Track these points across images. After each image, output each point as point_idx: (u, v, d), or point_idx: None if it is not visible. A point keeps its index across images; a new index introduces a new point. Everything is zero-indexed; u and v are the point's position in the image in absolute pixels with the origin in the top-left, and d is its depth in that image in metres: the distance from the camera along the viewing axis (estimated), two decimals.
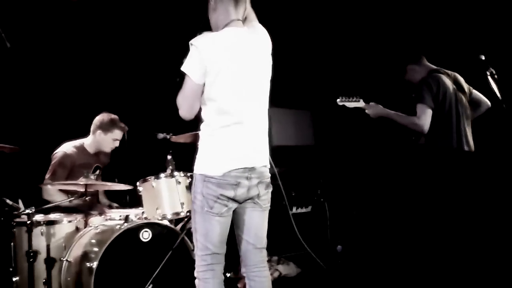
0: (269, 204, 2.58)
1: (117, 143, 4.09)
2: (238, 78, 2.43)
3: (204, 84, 2.40)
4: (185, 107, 2.43)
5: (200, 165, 2.42)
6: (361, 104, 3.70)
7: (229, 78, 2.40)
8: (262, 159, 2.51)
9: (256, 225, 2.54)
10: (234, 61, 2.42)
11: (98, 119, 4.06)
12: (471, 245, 3.64)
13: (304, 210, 5.38)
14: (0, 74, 4.28)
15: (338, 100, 3.71)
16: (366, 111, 3.70)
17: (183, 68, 2.40)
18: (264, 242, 2.59)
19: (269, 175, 2.56)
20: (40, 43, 4.58)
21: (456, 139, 3.61)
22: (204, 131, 2.47)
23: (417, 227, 5.09)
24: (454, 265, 3.81)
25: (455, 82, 3.74)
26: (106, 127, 4.01)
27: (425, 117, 3.54)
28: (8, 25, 3.18)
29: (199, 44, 2.38)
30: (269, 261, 4.73)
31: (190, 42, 2.40)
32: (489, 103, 3.83)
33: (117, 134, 4.05)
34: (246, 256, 2.54)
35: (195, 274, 2.45)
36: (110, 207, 4.19)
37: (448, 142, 3.60)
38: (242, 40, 2.47)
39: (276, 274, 4.58)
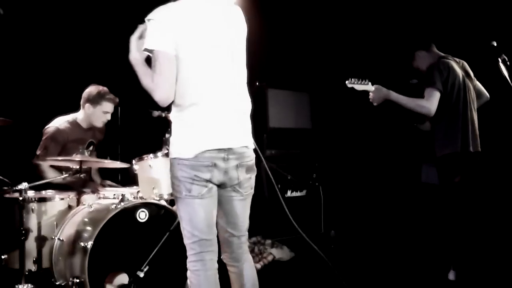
0: (252, 191, 2.43)
1: (108, 116, 3.92)
2: (206, 53, 2.24)
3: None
4: (164, 88, 2.20)
5: (173, 149, 2.28)
6: (369, 87, 3.61)
7: (196, 53, 2.23)
8: (240, 140, 2.33)
9: (236, 214, 2.41)
10: (200, 34, 2.24)
11: (86, 92, 3.90)
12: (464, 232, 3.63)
13: (298, 194, 5.33)
14: None
15: (347, 82, 3.60)
16: (370, 94, 3.61)
17: (148, 46, 2.19)
18: (244, 229, 2.46)
19: (252, 157, 2.40)
20: (34, 12, 4.40)
21: (462, 127, 3.56)
22: (174, 113, 2.31)
23: (411, 213, 5.10)
24: (445, 250, 3.80)
25: (464, 69, 3.69)
26: (94, 99, 3.85)
27: (432, 100, 3.48)
28: None
29: (159, 17, 2.20)
30: (262, 244, 4.71)
31: (147, 18, 2.22)
32: (488, 95, 3.84)
33: (107, 106, 3.88)
34: (225, 243, 2.43)
35: (187, 266, 2.31)
36: (103, 185, 4.07)
37: (454, 129, 3.55)
38: (206, 11, 2.29)
39: (270, 258, 4.53)
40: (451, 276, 3.61)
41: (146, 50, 2.23)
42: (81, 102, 3.91)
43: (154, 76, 2.20)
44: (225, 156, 2.27)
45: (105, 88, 3.89)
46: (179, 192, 2.27)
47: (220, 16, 2.33)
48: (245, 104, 2.40)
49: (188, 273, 2.30)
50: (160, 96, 2.20)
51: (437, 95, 3.48)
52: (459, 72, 3.63)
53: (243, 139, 2.35)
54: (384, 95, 3.58)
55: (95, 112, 3.86)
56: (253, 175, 2.42)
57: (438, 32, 4.37)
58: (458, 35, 4.49)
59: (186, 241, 2.32)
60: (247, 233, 2.47)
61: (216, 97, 2.28)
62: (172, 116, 2.33)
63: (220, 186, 2.33)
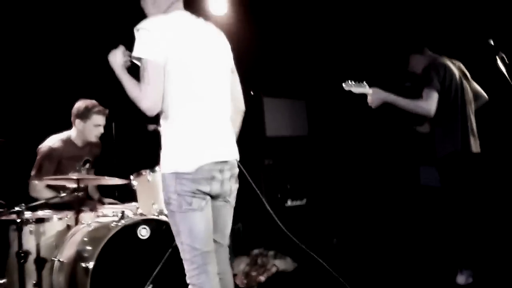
0: (235, 200, 2.49)
1: (100, 129, 3.84)
2: (197, 65, 2.28)
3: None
4: (152, 97, 2.16)
5: (170, 163, 2.23)
6: (367, 89, 3.57)
7: (188, 65, 2.24)
8: (234, 152, 2.43)
9: (224, 223, 2.45)
10: (189, 46, 2.28)
11: (74, 108, 3.82)
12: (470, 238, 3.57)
13: (299, 202, 5.28)
14: None
15: (344, 84, 3.57)
16: (369, 97, 3.57)
17: (137, 54, 2.19)
18: (228, 238, 2.50)
19: (237, 167, 2.46)
20: (28, 29, 4.34)
21: (461, 126, 3.54)
22: (166, 126, 2.27)
23: (413, 217, 5.06)
24: (451, 253, 3.75)
25: (460, 70, 3.68)
26: (83, 114, 3.78)
27: (432, 100, 3.45)
28: None
29: (150, 27, 2.21)
30: (265, 256, 4.65)
31: (136, 27, 2.22)
32: (486, 97, 3.82)
33: (97, 119, 3.80)
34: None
35: (188, 281, 2.26)
36: (101, 202, 3.99)
37: (454, 128, 3.52)
38: (194, 25, 2.37)
39: (273, 269, 4.47)
40: (459, 280, 3.55)
41: (134, 58, 2.23)
42: (72, 119, 3.84)
43: (142, 85, 2.19)
44: (221, 168, 2.30)
45: (93, 101, 3.83)
46: (178, 207, 2.23)
47: (206, 31, 2.43)
48: (229, 115, 2.46)
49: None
50: (148, 105, 2.18)
51: (435, 95, 3.45)
52: (456, 72, 3.61)
53: (235, 151, 2.44)
54: (382, 97, 3.55)
55: (86, 126, 3.80)
56: (237, 186, 2.48)
57: (432, 34, 4.37)
58: (453, 36, 4.48)
59: (186, 256, 2.27)
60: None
61: (210, 109, 2.31)
62: (162, 128, 2.30)
63: (214, 197, 2.34)
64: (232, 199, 2.46)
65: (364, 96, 3.62)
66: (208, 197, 2.30)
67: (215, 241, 2.40)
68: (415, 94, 3.61)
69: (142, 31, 2.21)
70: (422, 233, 4.87)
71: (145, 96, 2.17)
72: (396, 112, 3.64)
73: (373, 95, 3.57)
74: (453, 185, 3.56)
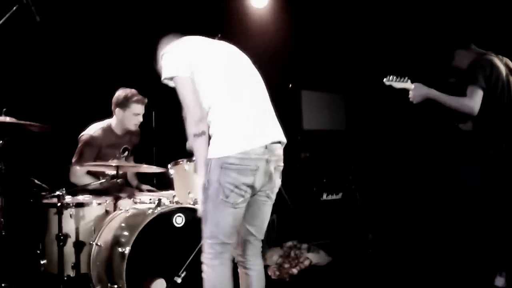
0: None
1: (139, 118, 3.89)
2: (223, 63, 2.42)
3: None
4: (194, 108, 2.30)
5: (216, 148, 2.27)
6: (409, 85, 3.49)
7: (214, 65, 2.38)
8: (279, 134, 2.41)
9: (263, 218, 2.49)
10: (213, 50, 2.44)
11: (114, 97, 3.89)
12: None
13: (334, 197, 5.24)
14: (30, 49, 4.17)
15: (385, 79, 3.51)
16: (411, 92, 3.49)
17: (167, 74, 2.34)
18: (264, 232, 2.54)
19: (282, 161, 2.47)
20: (69, 20, 4.44)
21: (506, 126, 3.41)
22: (211, 117, 2.33)
23: (452, 216, 4.94)
24: (490, 254, 3.66)
25: (507, 66, 3.54)
26: (122, 103, 3.84)
27: (476, 98, 3.33)
28: None
29: (173, 49, 2.38)
30: (299, 249, 4.64)
31: (161, 53, 2.40)
32: None
33: (136, 108, 3.85)
34: (246, 245, 2.48)
35: (203, 259, 2.34)
36: (140, 189, 4.07)
37: (499, 128, 3.40)
38: (209, 40, 2.54)
39: (306, 263, 4.45)
40: (498, 282, 3.45)
41: (166, 79, 2.38)
42: (112, 108, 3.91)
43: (183, 103, 2.33)
44: (268, 157, 2.30)
45: (133, 90, 3.87)
46: (215, 195, 2.26)
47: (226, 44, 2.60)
48: (270, 105, 2.50)
49: (204, 267, 2.33)
50: (194, 117, 2.29)
51: (480, 93, 3.34)
52: (502, 69, 3.48)
53: (281, 134, 2.43)
54: (425, 93, 3.46)
55: (125, 115, 3.86)
56: (280, 180, 2.50)
57: (479, 29, 4.23)
58: (500, 32, 4.33)
59: (207, 240, 2.33)
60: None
61: (247, 96, 2.38)
62: (211, 120, 2.34)
63: (256, 191, 2.35)
64: (274, 195, 2.47)
65: (405, 91, 3.54)
66: (248, 194, 2.30)
67: (251, 233, 2.46)
68: (459, 90, 3.51)
69: (167, 55, 2.37)
70: (461, 232, 4.76)
71: (190, 110, 2.30)
72: (438, 108, 3.55)
73: (415, 90, 3.48)
74: (495, 184, 3.45)
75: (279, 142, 2.41)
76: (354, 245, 4.96)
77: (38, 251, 3.41)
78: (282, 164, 2.46)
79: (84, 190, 3.68)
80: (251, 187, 2.28)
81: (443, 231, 4.96)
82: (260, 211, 2.44)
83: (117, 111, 3.87)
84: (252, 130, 2.29)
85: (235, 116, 2.31)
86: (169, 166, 3.57)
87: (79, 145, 3.82)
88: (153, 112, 4.44)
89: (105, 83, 4.48)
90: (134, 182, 4.18)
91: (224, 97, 2.33)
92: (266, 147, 2.29)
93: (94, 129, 3.88)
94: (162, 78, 2.39)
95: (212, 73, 2.36)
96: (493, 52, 3.59)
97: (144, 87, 4.13)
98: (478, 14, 4.56)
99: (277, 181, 2.44)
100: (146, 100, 3.91)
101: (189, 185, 3.39)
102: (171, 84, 2.39)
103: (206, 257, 2.33)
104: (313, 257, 4.57)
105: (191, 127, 2.30)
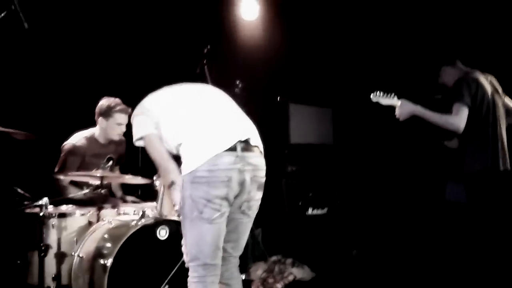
0: (256, 212, 2.42)
1: (123, 128, 3.83)
2: (188, 95, 2.47)
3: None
4: (162, 160, 2.36)
5: (185, 165, 2.23)
6: (395, 101, 3.51)
7: (181, 105, 2.42)
8: (252, 134, 2.35)
9: (240, 236, 2.41)
10: (179, 96, 2.48)
11: (98, 106, 3.84)
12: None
13: (320, 211, 5.23)
14: (17, 56, 4.14)
15: (372, 95, 3.53)
16: (397, 109, 3.51)
17: (135, 137, 2.41)
18: (242, 249, 2.47)
19: (264, 174, 2.38)
20: (56, 28, 4.42)
21: (492, 143, 3.44)
22: (180, 144, 2.32)
23: (436, 232, 4.96)
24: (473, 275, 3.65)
25: (492, 85, 3.59)
26: (105, 112, 3.79)
27: (461, 116, 3.35)
28: (27, 4, 3.01)
29: (137, 112, 2.45)
30: (283, 263, 4.61)
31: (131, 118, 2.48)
32: None
33: (119, 117, 3.79)
34: (222, 262, 2.36)
35: (188, 280, 2.29)
36: (124, 200, 4.03)
37: (484, 146, 3.43)
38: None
39: (290, 278, 4.42)
40: None
41: (136, 142, 2.43)
42: (95, 117, 3.87)
43: (152, 159, 2.38)
44: (241, 167, 2.23)
45: (116, 100, 3.83)
46: (190, 212, 2.22)
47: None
48: (238, 112, 2.48)
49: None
50: (168, 166, 2.33)
51: (465, 111, 3.37)
52: (488, 87, 3.52)
53: (255, 136, 2.36)
54: (411, 110, 3.48)
55: (108, 125, 3.81)
56: (261, 195, 2.40)
57: (464, 47, 4.28)
58: (485, 50, 4.39)
59: (189, 263, 2.28)
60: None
61: (205, 112, 2.38)
62: (178, 146, 2.33)
63: (233, 207, 2.28)
64: (252, 212, 2.38)
65: (392, 107, 3.56)
66: (225, 208, 2.23)
67: (226, 251, 2.37)
68: (445, 107, 3.54)
69: (133, 119, 2.45)
70: (445, 249, 4.77)
71: (158, 164, 2.37)
72: (424, 125, 3.57)
73: (402, 107, 3.50)
74: (480, 202, 3.46)
75: (252, 150, 2.31)
76: (338, 261, 4.95)
77: (19, 262, 3.35)
78: (261, 175, 2.36)
79: (67, 200, 3.63)
80: (226, 199, 2.21)
81: (428, 248, 4.96)
82: (236, 228, 2.37)
83: (100, 120, 3.83)
84: (216, 135, 2.25)
85: (199, 131, 2.28)
86: (154, 177, 3.54)
87: (62, 154, 3.78)
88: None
89: (91, 91, 4.45)
90: (119, 193, 4.13)
91: (188, 122, 2.33)
92: (237, 156, 2.22)
93: (77, 138, 3.83)
94: (134, 141, 2.44)
95: (176, 112, 2.39)
96: (479, 70, 3.63)
97: (130, 96, 4.10)
98: (464, 31, 4.62)
99: (255, 195, 2.35)
100: (130, 110, 3.85)
101: (174, 197, 3.35)
102: (142, 144, 2.44)
103: (190, 281, 2.27)
104: (298, 272, 4.54)
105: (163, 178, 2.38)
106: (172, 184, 2.32)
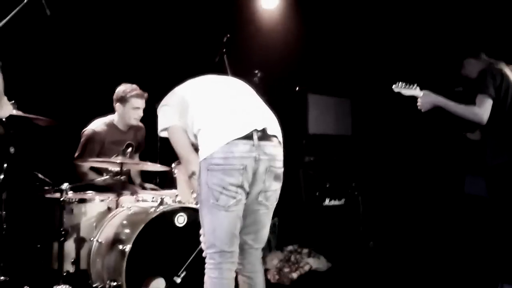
0: (276, 203, 2.41)
1: (140, 112, 3.88)
2: (211, 85, 2.50)
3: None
4: (186, 153, 2.41)
5: (202, 151, 2.25)
6: (417, 92, 3.47)
7: (205, 94, 2.44)
8: (271, 124, 2.34)
9: (259, 227, 2.40)
10: (204, 87, 2.50)
11: (115, 93, 3.89)
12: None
13: (337, 202, 5.22)
14: (39, 43, 4.17)
15: (394, 86, 3.49)
16: (419, 100, 3.47)
17: (160, 127, 2.45)
18: (264, 241, 2.45)
19: (282, 165, 2.36)
20: (81, 13, 4.44)
21: None
22: (196, 131, 2.35)
23: (454, 225, 4.91)
24: (493, 265, 3.63)
25: None
26: (122, 98, 3.84)
27: (485, 107, 3.30)
28: None
29: (164, 102, 2.48)
30: (299, 253, 4.62)
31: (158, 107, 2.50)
32: None
33: (136, 102, 3.83)
34: (243, 253, 2.38)
35: (205, 269, 2.30)
36: (142, 187, 4.06)
37: (508, 138, 3.37)
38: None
39: (306, 268, 4.43)
40: None
41: (161, 131, 2.47)
42: (113, 104, 3.91)
43: (176, 150, 2.43)
44: (256, 155, 2.22)
45: (133, 85, 3.87)
46: (206, 199, 2.23)
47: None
48: (258, 102, 2.48)
49: (206, 277, 2.28)
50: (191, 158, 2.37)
51: (489, 102, 3.31)
52: None
53: (274, 126, 2.35)
54: (433, 101, 3.44)
55: (125, 110, 3.85)
56: (279, 186, 2.39)
57: (489, 38, 4.20)
58: (509, 42, 4.30)
59: (206, 250, 2.29)
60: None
61: (225, 100, 2.39)
62: (198, 140, 2.35)
63: (249, 196, 2.28)
64: (270, 202, 2.36)
65: (413, 98, 3.52)
66: (241, 195, 2.23)
67: (245, 242, 2.36)
68: (466, 99, 3.49)
69: (159, 109, 2.48)
70: (464, 242, 4.72)
71: (181, 157, 2.42)
72: (446, 117, 3.52)
73: (424, 98, 3.46)
74: (502, 195, 3.41)
75: (270, 139, 2.30)
76: (354, 252, 4.94)
77: (39, 246, 3.40)
78: (278, 165, 2.33)
79: (87, 185, 3.67)
80: (241, 187, 2.21)
81: (445, 241, 4.92)
82: (255, 219, 2.35)
83: (118, 106, 3.88)
84: (231, 123, 2.25)
85: (215, 118, 2.30)
86: (172, 165, 3.56)
87: (82, 140, 3.82)
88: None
89: (112, 78, 4.48)
90: (138, 180, 4.16)
91: (207, 110, 2.35)
92: (253, 144, 2.22)
93: (96, 124, 3.88)
94: (158, 132, 2.49)
95: (197, 101, 2.41)
96: (503, 62, 3.57)
97: (150, 84, 4.13)
98: (489, 23, 4.54)
99: (272, 185, 2.33)
100: (146, 95, 3.90)
101: (192, 185, 3.37)
102: (166, 134, 2.48)
103: (206, 267, 2.29)
104: (314, 262, 4.55)
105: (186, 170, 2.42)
106: (192, 174, 2.34)
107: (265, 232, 2.43)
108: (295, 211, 5.01)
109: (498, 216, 3.44)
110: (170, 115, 2.42)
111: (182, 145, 2.39)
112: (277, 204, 2.46)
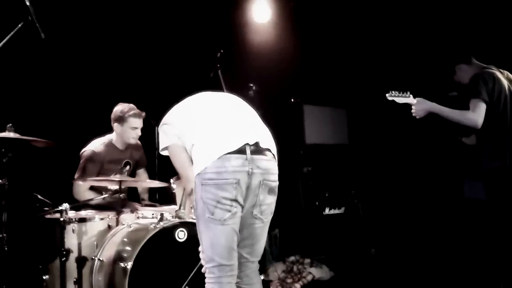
0: (271, 216, 2.42)
1: (138, 132, 3.90)
2: (203, 104, 2.52)
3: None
4: (185, 170, 2.46)
5: (196, 165, 2.26)
6: (411, 99, 3.51)
7: (200, 111, 2.47)
8: (264, 138, 2.35)
9: (255, 241, 2.40)
10: (200, 99, 2.55)
11: (112, 112, 3.91)
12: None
13: (337, 211, 5.23)
14: (35, 65, 4.21)
15: (387, 94, 3.52)
16: (414, 107, 3.50)
17: (160, 147, 2.50)
18: (260, 254, 2.46)
19: (276, 178, 2.37)
20: (75, 35, 4.49)
21: (510, 140, 3.40)
22: (190, 146, 2.38)
23: (454, 229, 4.92)
24: (493, 269, 3.64)
25: (509, 79, 3.55)
26: (120, 118, 3.86)
27: (479, 112, 3.33)
28: (44, 15, 3.07)
29: (164, 121, 2.51)
30: (301, 263, 4.63)
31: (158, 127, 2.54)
32: None
33: (134, 122, 3.86)
34: (240, 267, 2.36)
35: (206, 283, 2.31)
36: (151, 205, 4.06)
37: (503, 142, 3.40)
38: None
39: (309, 277, 4.44)
40: None
41: (161, 151, 2.52)
42: (111, 124, 3.93)
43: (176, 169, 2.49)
44: (249, 169, 2.23)
45: (130, 105, 3.89)
46: (201, 214, 2.25)
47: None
48: (253, 117, 2.49)
49: None
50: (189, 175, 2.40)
51: (483, 107, 3.34)
52: (505, 82, 3.48)
53: (267, 140, 2.37)
54: (428, 108, 3.47)
55: (123, 130, 3.88)
56: (274, 199, 2.40)
57: (480, 43, 4.25)
58: (501, 46, 4.35)
59: (206, 265, 2.29)
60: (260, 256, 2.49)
61: (219, 114, 2.42)
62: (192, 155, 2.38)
63: (244, 209, 2.29)
64: (265, 216, 2.36)
65: (407, 105, 3.55)
66: (236, 208, 2.24)
67: (243, 256, 2.37)
68: (460, 104, 3.52)
69: (160, 128, 2.52)
70: (463, 246, 4.73)
71: (181, 174, 2.49)
72: (441, 122, 3.55)
73: (418, 105, 3.49)
74: (499, 199, 3.43)
75: (263, 153, 2.31)
76: (356, 260, 4.94)
77: (41, 266, 3.41)
78: (273, 179, 2.34)
79: (86, 205, 3.69)
80: (235, 201, 2.22)
81: (446, 246, 4.93)
82: (250, 233, 2.36)
83: (116, 126, 3.90)
84: (223, 138, 2.27)
85: (208, 133, 2.32)
86: (171, 180, 3.58)
87: (81, 161, 3.83)
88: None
89: (108, 98, 4.52)
90: (145, 195, 4.17)
91: (200, 126, 2.38)
92: (246, 158, 2.23)
93: (95, 145, 3.89)
94: (159, 151, 2.55)
95: (192, 117, 2.44)
96: (495, 66, 3.60)
97: (146, 102, 4.16)
98: (479, 28, 4.59)
99: (266, 199, 2.34)
100: (143, 114, 3.92)
101: (191, 200, 3.39)
102: (167, 153, 2.53)
103: (207, 282, 2.30)
104: (316, 272, 4.55)
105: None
106: (192, 192, 2.37)
107: (261, 245, 2.44)
108: (295, 222, 5.03)
109: (496, 219, 3.46)
110: (169, 134, 2.45)
111: (182, 163, 2.43)
112: (277, 215, 2.49)
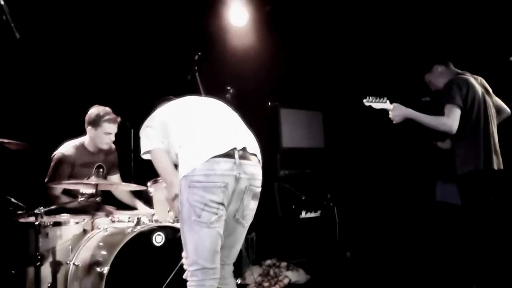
0: (251, 221, 2.45)
1: (111, 137, 3.83)
2: (194, 110, 2.53)
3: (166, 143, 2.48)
4: (168, 175, 2.48)
5: (183, 167, 2.26)
6: (387, 105, 3.56)
7: (185, 115, 2.48)
8: (250, 143, 2.38)
9: (233, 245, 2.44)
10: (185, 107, 2.55)
11: (87, 115, 3.82)
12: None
13: (313, 214, 5.26)
14: (9, 66, 4.13)
15: (364, 100, 3.57)
16: (390, 112, 3.56)
17: (142, 150, 2.48)
18: (235, 257, 2.50)
19: (260, 184, 2.41)
20: (51, 36, 4.42)
21: (484, 144, 3.48)
22: (177, 149, 2.39)
23: (429, 234, 5.00)
24: (465, 271, 3.69)
25: (482, 85, 3.64)
26: (94, 122, 3.77)
27: (454, 117, 3.40)
28: (19, 15, 3.01)
29: (147, 124, 2.51)
30: (278, 267, 4.64)
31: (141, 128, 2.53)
32: (509, 111, 3.76)
33: (108, 127, 3.78)
34: None
35: (187, 285, 2.31)
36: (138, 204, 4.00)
37: (476, 146, 3.47)
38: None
39: (286, 281, 4.45)
40: None
41: (143, 154, 2.51)
42: (85, 126, 3.85)
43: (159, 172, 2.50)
44: (237, 174, 2.25)
45: (106, 109, 3.81)
46: (187, 216, 2.24)
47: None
48: (238, 122, 2.52)
49: None
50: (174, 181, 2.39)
51: (458, 112, 3.41)
52: (478, 88, 3.57)
53: (253, 144, 2.40)
54: (404, 113, 3.53)
55: (97, 134, 3.80)
56: (256, 205, 2.43)
57: (454, 50, 4.33)
58: (475, 52, 4.45)
59: (188, 268, 2.29)
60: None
61: (213, 116, 2.45)
62: (178, 157, 2.37)
63: (228, 212, 2.31)
64: (247, 221, 2.40)
65: (384, 110, 3.60)
66: (222, 211, 2.25)
67: (221, 259, 2.36)
68: (433, 109, 3.59)
69: (141, 131, 2.52)
70: (437, 249, 4.81)
71: (163, 178, 2.50)
72: (417, 127, 3.61)
73: (395, 111, 3.55)
74: (473, 202, 3.49)
75: (250, 159, 2.34)
76: (332, 263, 4.98)
77: (13, 272, 3.33)
78: (257, 184, 2.38)
79: (61, 209, 3.62)
80: (222, 204, 2.23)
81: (420, 249, 5.01)
82: (229, 237, 2.38)
83: (89, 129, 3.82)
84: (211, 141, 2.28)
85: (196, 136, 2.32)
86: (148, 184, 3.55)
87: (52, 163, 3.75)
88: (132, 130, 4.41)
89: (83, 100, 4.45)
90: (128, 198, 4.08)
91: (188, 129, 2.38)
92: (234, 163, 2.25)
93: (66, 148, 3.81)
94: (141, 154, 2.53)
95: (178, 120, 2.44)
96: (469, 72, 3.68)
97: (122, 104, 4.12)
98: (454, 34, 4.68)
99: (250, 204, 2.37)
100: (119, 119, 3.84)
101: (171, 203, 3.36)
102: (149, 157, 2.52)
103: (189, 285, 2.29)
104: (293, 275, 4.57)
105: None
106: (176, 197, 2.36)
107: (238, 249, 2.48)
108: (272, 225, 5.04)
109: (469, 222, 3.53)
110: (152, 138, 2.44)
111: (165, 167, 2.42)
112: (254, 219, 2.49)
